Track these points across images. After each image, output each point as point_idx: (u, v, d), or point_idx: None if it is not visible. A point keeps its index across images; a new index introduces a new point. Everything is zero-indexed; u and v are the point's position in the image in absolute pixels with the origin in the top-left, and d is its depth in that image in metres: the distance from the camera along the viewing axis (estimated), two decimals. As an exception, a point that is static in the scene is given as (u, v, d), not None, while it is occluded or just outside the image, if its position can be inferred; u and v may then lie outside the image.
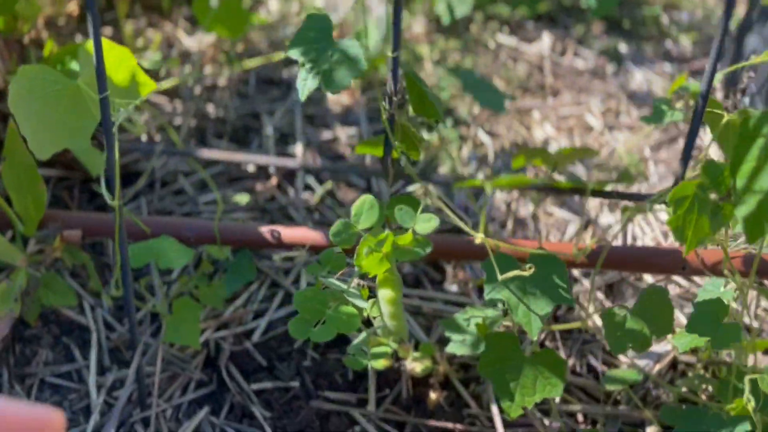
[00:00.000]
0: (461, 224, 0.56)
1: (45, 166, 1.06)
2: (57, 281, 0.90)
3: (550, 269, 0.65)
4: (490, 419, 0.84)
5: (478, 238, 0.56)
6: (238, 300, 0.94)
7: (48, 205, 0.99)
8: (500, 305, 0.83)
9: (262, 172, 1.14)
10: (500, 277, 0.63)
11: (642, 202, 0.66)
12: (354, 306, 0.67)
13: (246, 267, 0.83)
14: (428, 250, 0.62)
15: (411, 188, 1.14)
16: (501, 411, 0.84)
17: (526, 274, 0.61)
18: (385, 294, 0.72)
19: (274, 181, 1.12)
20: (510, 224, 1.09)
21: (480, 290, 0.99)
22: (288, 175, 1.14)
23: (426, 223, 0.63)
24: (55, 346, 0.90)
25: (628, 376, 0.81)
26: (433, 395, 0.85)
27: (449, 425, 0.83)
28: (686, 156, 0.62)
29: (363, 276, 0.72)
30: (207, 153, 0.65)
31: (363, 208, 0.64)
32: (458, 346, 0.76)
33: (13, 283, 0.85)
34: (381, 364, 0.74)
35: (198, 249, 0.98)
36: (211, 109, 1.25)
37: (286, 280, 0.98)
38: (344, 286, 0.68)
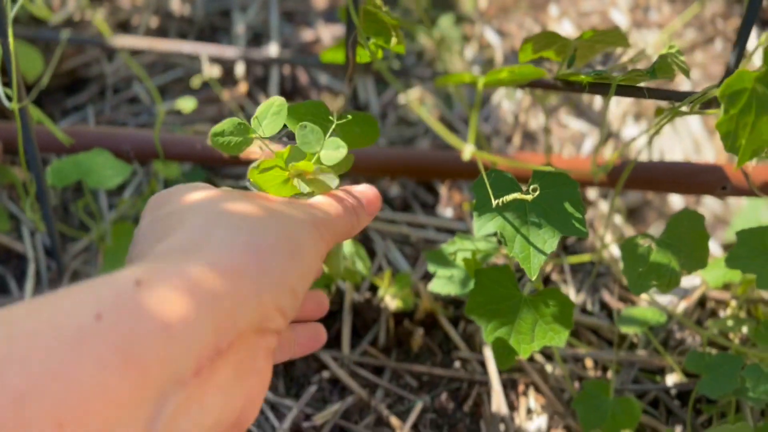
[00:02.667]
0: (445, 133, 0.42)
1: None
2: (-13, 203, 0.78)
3: (559, 191, 0.50)
4: (483, 363, 0.72)
5: (467, 150, 0.41)
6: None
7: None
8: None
9: (230, 77, 0.99)
10: (494, 202, 0.49)
11: (682, 101, 0.50)
12: None
13: (195, 186, 0.69)
14: (334, 185, 0.49)
15: (408, 94, 0.99)
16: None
17: (527, 198, 0.46)
18: None
19: (243, 87, 0.98)
20: (517, 139, 0.94)
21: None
22: (260, 82, 0.99)
23: (333, 151, 0.48)
24: (-12, 276, 0.79)
25: (649, 316, 0.68)
26: (417, 336, 0.73)
27: (435, 370, 0.71)
28: (743, 35, 0.46)
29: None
30: (121, 41, 0.50)
31: (269, 111, 0.50)
32: (443, 284, 0.63)
33: (-74, 205, 0.73)
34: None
35: (149, 165, 0.84)
36: (176, 5, 1.09)
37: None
38: None
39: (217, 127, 0.50)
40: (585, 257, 0.63)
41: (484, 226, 0.50)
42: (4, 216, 0.78)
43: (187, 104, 0.66)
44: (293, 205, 0.44)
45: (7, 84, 0.57)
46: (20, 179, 0.77)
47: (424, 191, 0.88)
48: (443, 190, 0.87)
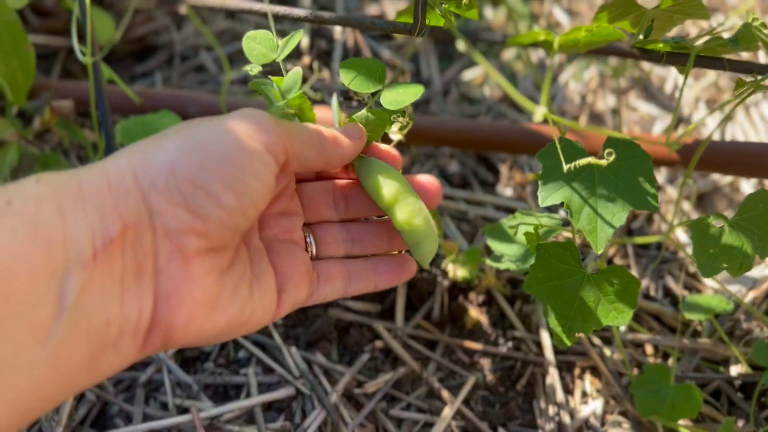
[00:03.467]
0: (516, 93, 0.41)
1: (47, 33, 0.94)
2: (57, 161, 0.80)
3: (631, 163, 0.49)
4: (539, 344, 0.71)
5: (539, 112, 0.40)
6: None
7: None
8: (561, 211, 0.68)
9: (294, 50, 0.99)
10: (565, 167, 0.47)
11: (765, 74, 0.48)
12: None
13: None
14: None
15: (470, 72, 0.98)
16: (552, 336, 0.70)
17: (602, 163, 0.45)
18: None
19: (306, 60, 0.98)
20: (584, 119, 0.92)
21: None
22: (324, 55, 0.99)
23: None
24: (56, 233, 0.81)
25: (715, 303, 0.66)
26: (472, 312, 0.72)
27: (489, 348, 0.70)
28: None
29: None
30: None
31: (290, 40, 0.52)
32: (502, 259, 0.62)
33: (1, 160, 0.75)
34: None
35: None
36: (244, -23, 1.10)
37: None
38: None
39: (253, 33, 0.53)
40: (652, 238, 0.61)
41: (550, 196, 0.49)
42: (73, 175, 0.80)
43: (256, 69, 0.67)
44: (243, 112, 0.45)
45: (81, 44, 0.58)
46: (90, 140, 0.78)
47: (484, 169, 0.86)
48: (503, 168, 0.86)
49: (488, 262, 0.62)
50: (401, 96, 0.51)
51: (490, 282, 0.71)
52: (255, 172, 0.42)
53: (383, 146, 0.56)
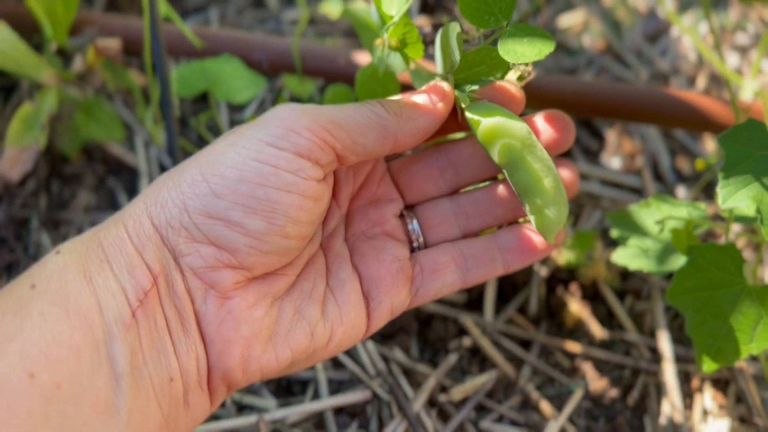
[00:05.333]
0: (723, 66, 0.29)
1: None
2: (101, 108, 0.70)
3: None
4: (654, 350, 0.60)
5: (749, 88, 0.30)
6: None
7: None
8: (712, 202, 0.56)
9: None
10: None
11: None
12: None
13: (334, 109, 0.59)
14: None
15: (567, 18, 0.85)
16: (675, 341, 0.60)
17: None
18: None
19: (382, -2, 0.86)
20: (702, 80, 0.79)
21: (656, 170, 0.72)
22: (401, -7, 0.87)
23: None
24: (99, 188, 0.72)
25: None
26: (573, 307, 0.62)
27: (593, 351, 0.60)
28: None
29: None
30: None
31: None
32: (633, 256, 0.51)
33: (39, 106, 0.66)
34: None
35: (274, 79, 0.74)
36: None
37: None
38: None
39: None
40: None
41: (734, 195, 0.38)
42: (119, 124, 0.70)
43: (333, 8, 0.55)
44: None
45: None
46: (138, 84, 0.68)
47: (587, 135, 0.74)
48: (610, 134, 0.74)
49: (614, 259, 0.51)
50: (524, 48, 0.39)
51: (598, 272, 0.61)
52: (282, 186, 0.36)
53: (499, 83, 0.44)
